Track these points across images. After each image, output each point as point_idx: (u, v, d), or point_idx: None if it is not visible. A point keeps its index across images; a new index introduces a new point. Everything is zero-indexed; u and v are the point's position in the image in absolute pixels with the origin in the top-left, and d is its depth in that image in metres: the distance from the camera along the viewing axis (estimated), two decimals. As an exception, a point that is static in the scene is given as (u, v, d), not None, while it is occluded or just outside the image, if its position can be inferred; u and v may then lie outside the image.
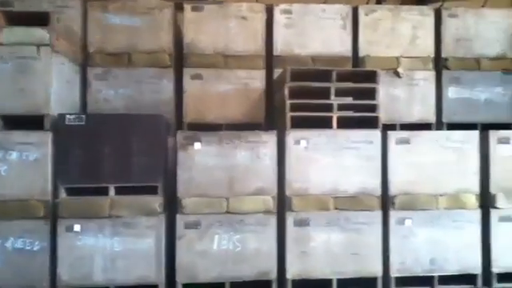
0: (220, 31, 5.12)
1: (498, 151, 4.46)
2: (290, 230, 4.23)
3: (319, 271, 4.23)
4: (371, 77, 4.48)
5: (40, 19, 4.07)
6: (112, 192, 4.09)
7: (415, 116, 5.21)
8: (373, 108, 4.44)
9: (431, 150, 4.41)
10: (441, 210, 4.36)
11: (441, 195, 4.37)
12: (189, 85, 5.05)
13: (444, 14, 5.28)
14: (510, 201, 4.42)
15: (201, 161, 4.22)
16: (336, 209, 4.27)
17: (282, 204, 4.30)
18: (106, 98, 4.93)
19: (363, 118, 4.42)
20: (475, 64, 5.27)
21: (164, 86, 4.98)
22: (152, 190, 4.14)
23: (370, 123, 4.41)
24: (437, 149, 4.42)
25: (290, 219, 4.24)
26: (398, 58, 5.21)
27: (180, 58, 5.14)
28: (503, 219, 4.40)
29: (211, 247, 4.17)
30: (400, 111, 5.20)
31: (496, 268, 4.37)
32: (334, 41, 5.17)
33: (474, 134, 4.52)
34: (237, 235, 4.20)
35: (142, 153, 4.14)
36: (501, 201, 4.41)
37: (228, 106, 5.08)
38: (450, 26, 5.28)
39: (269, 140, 4.32)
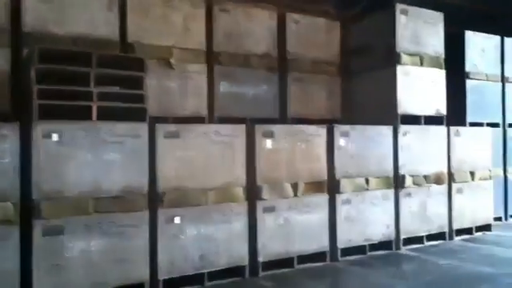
0: None
1: (262, 145, 4.62)
2: (38, 241, 3.52)
3: (76, 285, 3.64)
4: (138, 65, 4.10)
5: None
6: None
7: (189, 109, 5.06)
8: (140, 99, 4.08)
9: (201, 143, 4.29)
10: (210, 205, 4.27)
11: (210, 190, 4.28)
12: None
13: (215, 8, 5.28)
14: (273, 192, 4.64)
15: None
16: (97, 212, 3.75)
17: (28, 211, 3.54)
18: None
19: (130, 109, 4.01)
20: (245, 60, 5.43)
21: None
22: None
23: (138, 115, 4.03)
24: (206, 143, 4.32)
25: (37, 228, 3.52)
26: (170, 48, 4.96)
27: None
28: (267, 210, 4.59)
29: None
30: (173, 104, 4.98)
31: (262, 257, 4.52)
32: (100, 22, 4.60)
33: (242, 128, 4.58)
34: (-39, 255, 3.27)
35: None
36: (266, 193, 4.59)
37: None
38: (222, 21, 5.30)
39: (9, 133, 3.51)
